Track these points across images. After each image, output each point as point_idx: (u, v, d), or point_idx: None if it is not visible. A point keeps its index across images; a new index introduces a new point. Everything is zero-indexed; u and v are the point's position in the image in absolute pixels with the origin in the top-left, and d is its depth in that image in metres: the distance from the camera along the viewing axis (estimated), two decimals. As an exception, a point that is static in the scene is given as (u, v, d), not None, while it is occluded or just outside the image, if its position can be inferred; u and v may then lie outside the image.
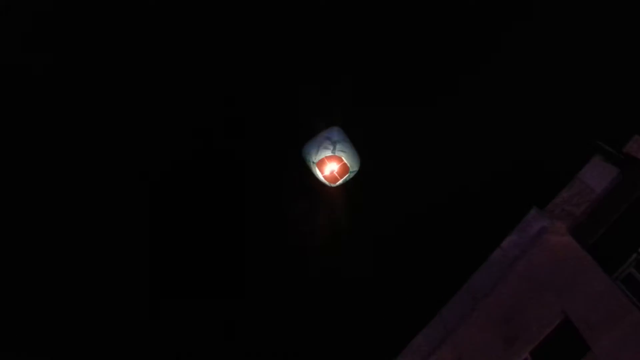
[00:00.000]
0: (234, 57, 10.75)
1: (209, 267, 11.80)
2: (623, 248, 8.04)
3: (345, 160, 9.41)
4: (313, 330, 11.65)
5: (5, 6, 9.06)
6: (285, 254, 11.76)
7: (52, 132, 10.29)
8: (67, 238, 10.89)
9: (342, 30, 10.51)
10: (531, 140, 10.08)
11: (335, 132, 9.35)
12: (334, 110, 10.25)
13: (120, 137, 10.72)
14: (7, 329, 10.61)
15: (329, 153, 9.26)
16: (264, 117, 11.13)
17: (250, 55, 10.76)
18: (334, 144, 9.28)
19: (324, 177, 9.53)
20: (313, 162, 9.40)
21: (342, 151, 9.31)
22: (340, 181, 9.63)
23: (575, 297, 8.03)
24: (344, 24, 10.51)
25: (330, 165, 9.34)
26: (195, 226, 11.63)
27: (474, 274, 8.83)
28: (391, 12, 10.61)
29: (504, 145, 10.56)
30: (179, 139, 11.03)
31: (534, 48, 9.98)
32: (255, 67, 10.79)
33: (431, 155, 10.82)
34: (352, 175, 9.66)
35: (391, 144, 11.10)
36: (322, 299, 11.65)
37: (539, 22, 9.82)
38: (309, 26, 10.49)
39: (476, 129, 10.53)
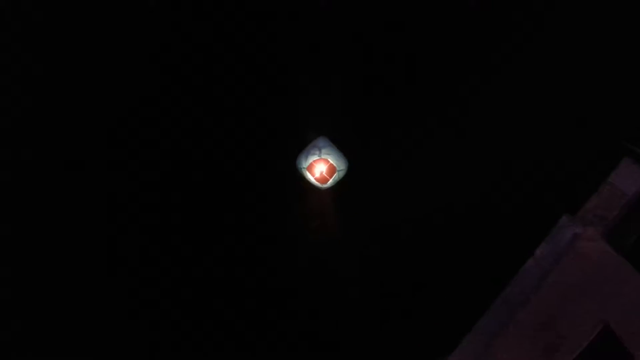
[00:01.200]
0: (233, 58, 10.52)
1: (207, 267, 11.43)
2: (660, 252, 7.96)
3: (331, 162, 10.60)
4: (313, 332, 11.36)
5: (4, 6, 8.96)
6: (283, 254, 11.45)
7: (51, 132, 10.07)
8: (66, 238, 10.48)
9: (339, 33, 10.34)
10: (551, 142, 9.85)
11: (320, 140, 10.63)
12: (328, 115, 10.72)
13: (120, 137, 10.45)
14: (6, 328, 10.24)
15: (316, 157, 10.54)
16: (260, 124, 10.98)
17: (247, 57, 10.52)
18: (319, 149, 10.54)
19: (315, 179, 10.70)
20: (303, 168, 10.65)
21: (327, 154, 10.54)
22: (330, 181, 10.75)
23: (614, 304, 7.89)
24: (340, 28, 10.31)
25: (319, 167, 10.57)
26: (194, 227, 11.24)
27: (508, 284, 8.59)
28: (389, 15, 10.36)
29: (519, 147, 10.33)
30: (178, 139, 10.79)
31: (553, 44, 9.75)
32: (251, 69, 10.57)
33: (451, 157, 10.50)
34: (341, 174, 10.75)
35: (401, 143, 10.78)
36: (322, 300, 11.36)
37: (563, 19, 9.60)
38: (307, 29, 10.32)
39: (497, 130, 10.24)
